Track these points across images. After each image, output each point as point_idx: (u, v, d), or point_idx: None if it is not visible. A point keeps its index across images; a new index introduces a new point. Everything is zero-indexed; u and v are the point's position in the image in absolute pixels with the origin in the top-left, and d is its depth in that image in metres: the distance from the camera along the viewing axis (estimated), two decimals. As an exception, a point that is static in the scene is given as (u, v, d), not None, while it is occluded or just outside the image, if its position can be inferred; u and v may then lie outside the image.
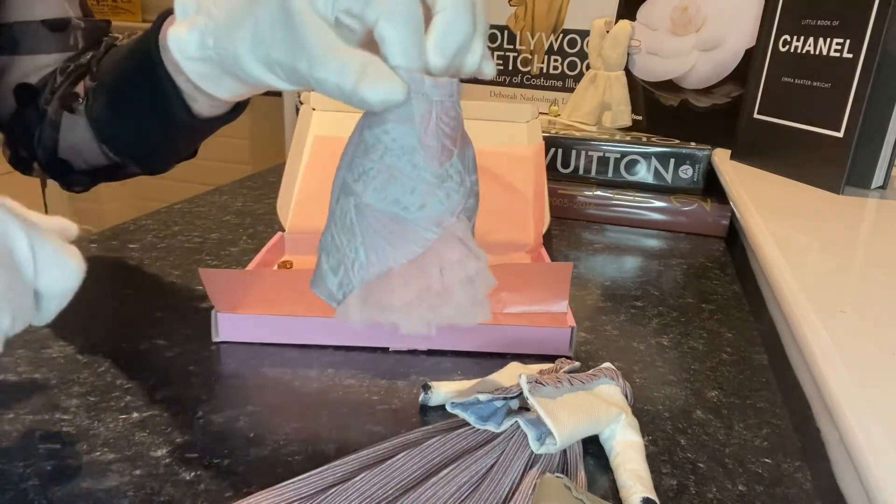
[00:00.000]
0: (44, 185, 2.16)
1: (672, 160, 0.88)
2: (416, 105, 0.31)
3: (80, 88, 0.57)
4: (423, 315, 0.32)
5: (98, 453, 0.38)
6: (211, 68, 0.40)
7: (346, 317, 0.33)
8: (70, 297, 0.35)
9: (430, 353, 0.51)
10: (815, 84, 0.77)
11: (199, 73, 0.41)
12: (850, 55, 0.72)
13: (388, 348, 0.51)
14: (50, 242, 0.33)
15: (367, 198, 0.32)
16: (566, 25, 1.15)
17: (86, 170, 0.60)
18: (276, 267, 0.63)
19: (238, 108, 0.51)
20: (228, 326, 0.51)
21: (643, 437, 0.40)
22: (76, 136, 0.57)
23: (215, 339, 0.51)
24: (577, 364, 0.45)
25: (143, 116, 0.49)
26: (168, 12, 0.44)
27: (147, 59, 0.45)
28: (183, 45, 0.39)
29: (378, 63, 0.30)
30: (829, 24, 0.75)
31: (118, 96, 0.51)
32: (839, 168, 0.75)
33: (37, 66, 0.59)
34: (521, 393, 0.39)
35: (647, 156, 0.89)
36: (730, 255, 0.77)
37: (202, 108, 0.47)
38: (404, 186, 0.31)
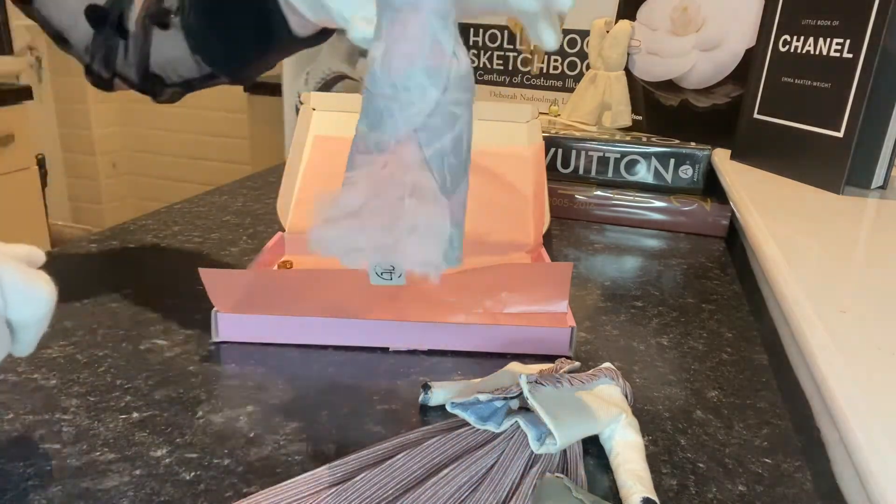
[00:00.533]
0: (44, 185, 2.16)
1: (672, 160, 0.88)
2: (384, 15, 0.31)
3: (170, 2, 0.57)
4: (343, 234, 0.30)
5: (98, 453, 0.38)
6: None
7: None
8: (45, 324, 0.34)
9: (430, 353, 0.51)
10: (815, 84, 0.77)
11: None
12: (850, 55, 0.72)
13: (388, 348, 0.51)
14: (16, 271, 0.32)
15: (359, 124, 0.33)
16: (566, 25, 1.15)
17: (178, 82, 0.61)
18: (276, 267, 0.63)
19: (324, 33, 0.53)
20: (228, 326, 0.51)
21: (643, 437, 0.40)
22: (169, 50, 0.58)
23: (215, 339, 0.51)
24: (577, 364, 0.45)
25: (243, 28, 0.52)
26: None
27: None
28: None
29: None
30: (829, 24, 0.75)
31: (219, 6, 0.53)
32: (839, 168, 0.75)
33: None
34: (521, 393, 0.39)
35: (647, 156, 0.89)
36: (730, 255, 0.77)
37: (294, 24, 0.49)
38: (368, 100, 0.32)
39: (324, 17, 0.46)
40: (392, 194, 0.30)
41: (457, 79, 0.32)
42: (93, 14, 0.58)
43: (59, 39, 0.60)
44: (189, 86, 0.62)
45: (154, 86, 0.61)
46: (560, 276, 0.50)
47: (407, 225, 0.30)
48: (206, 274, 0.48)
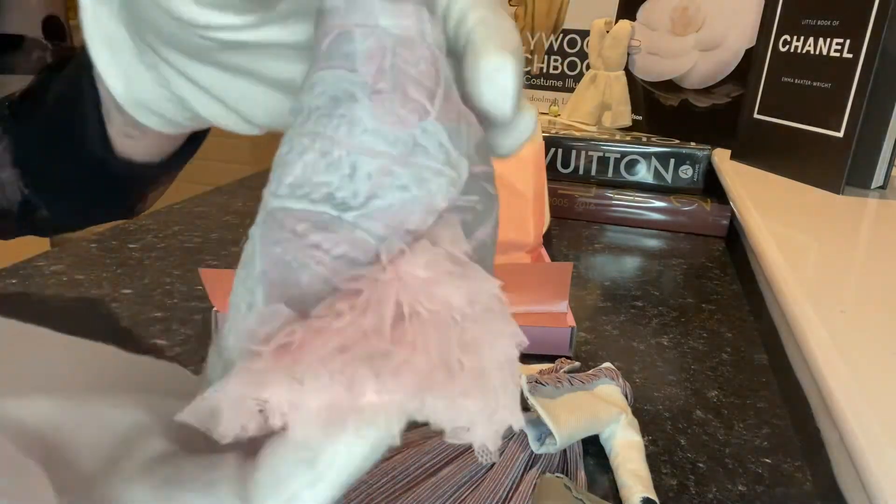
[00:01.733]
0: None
1: (672, 160, 0.88)
2: (361, 40, 0.19)
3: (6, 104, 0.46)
4: (361, 384, 0.16)
5: (98, 453, 0.38)
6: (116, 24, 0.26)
7: (213, 430, 0.17)
8: None
9: (430, 353, 0.51)
10: (815, 84, 0.77)
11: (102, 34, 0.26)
12: (850, 55, 0.72)
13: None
14: None
15: (279, 201, 0.19)
16: (566, 25, 1.15)
17: (5, 207, 0.48)
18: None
19: (180, 158, 0.39)
20: (228, 326, 0.50)
21: (643, 437, 0.40)
22: (3, 163, 0.46)
23: (215, 339, 0.51)
24: (577, 364, 0.45)
25: (58, 136, 0.39)
26: None
27: (80, 65, 0.35)
28: None
29: None
30: (829, 24, 0.75)
31: (37, 111, 0.41)
32: (839, 168, 0.75)
33: None
34: (521, 393, 0.39)
35: (647, 156, 0.89)
36: (730, 255, 0.77)
37: (117, 135, 0.35)
38: (339, 166, 0.18)
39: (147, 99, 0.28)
40: (427, 312, 0.17)
41: (479, 146, 0.20)
42: None
43: None
44: (3, 216, 0.48)
45: None
46: (560, 276, 0.50)
47: (458, 370, 0.17)
48: (206, 274, 0.48)
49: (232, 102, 0.26)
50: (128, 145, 0.36)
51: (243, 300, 0.19)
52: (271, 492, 0.17)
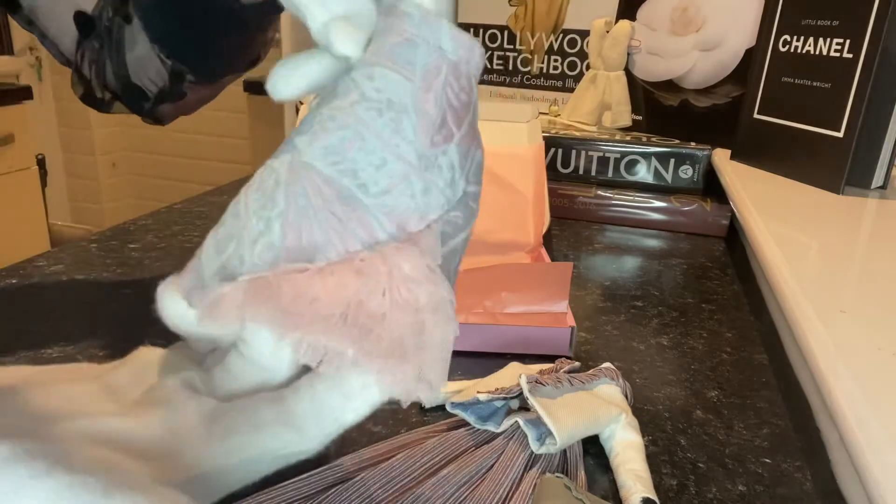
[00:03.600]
0: (44, 185, 2.16)
1: (672, 160, 0.88)
2: (423, 56, 0.23)
3: None
4: (341, 340, 0.21)
5: (98, 453, 0.38)
6: None
7: (207, 314, 0.24)
8: None
9: (430, 353, 0.51)
10: (815, 84, 0.77)
11: None
12: (850, 55, 0.72)
13: (388, 348, 0.51)
14: None
15: (311, 156, 0.23)
16: (566, 25, 1.15)
17: (154, 92, 0.57)
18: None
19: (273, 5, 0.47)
20: (228, 326, 0.50)
21: (643, 437, 0.40)
22: (138, 49, 0.54)
23: (215, 339, 0.51)
24: (577, 364, 0.45)
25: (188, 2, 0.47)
26: None
27: None
28: None
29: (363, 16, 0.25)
30: (829, 24, 0.75)
31: None
32: (839, 168, 0.75)
33: None
34: (521, 393, 0.39)
35: (647, 156, 0.89)
36: (730, 255, 0.77)
37: None
38: (372, 155, 0.23)
39: None
40: (399, 296, 0.22)
41: (477, 169, 0.25)
42: (80, 20, 0.55)
43: (54, 50, 0.57)
44: (163, 96, 0.58)
45: (138, 100, 0.58)
46: (560, 276, 0.50)
47: (408, 344, 0.22)
48: None
49: None
50: None
51: (256, 224, 0.23)
52: (320, 419, 0.24)
